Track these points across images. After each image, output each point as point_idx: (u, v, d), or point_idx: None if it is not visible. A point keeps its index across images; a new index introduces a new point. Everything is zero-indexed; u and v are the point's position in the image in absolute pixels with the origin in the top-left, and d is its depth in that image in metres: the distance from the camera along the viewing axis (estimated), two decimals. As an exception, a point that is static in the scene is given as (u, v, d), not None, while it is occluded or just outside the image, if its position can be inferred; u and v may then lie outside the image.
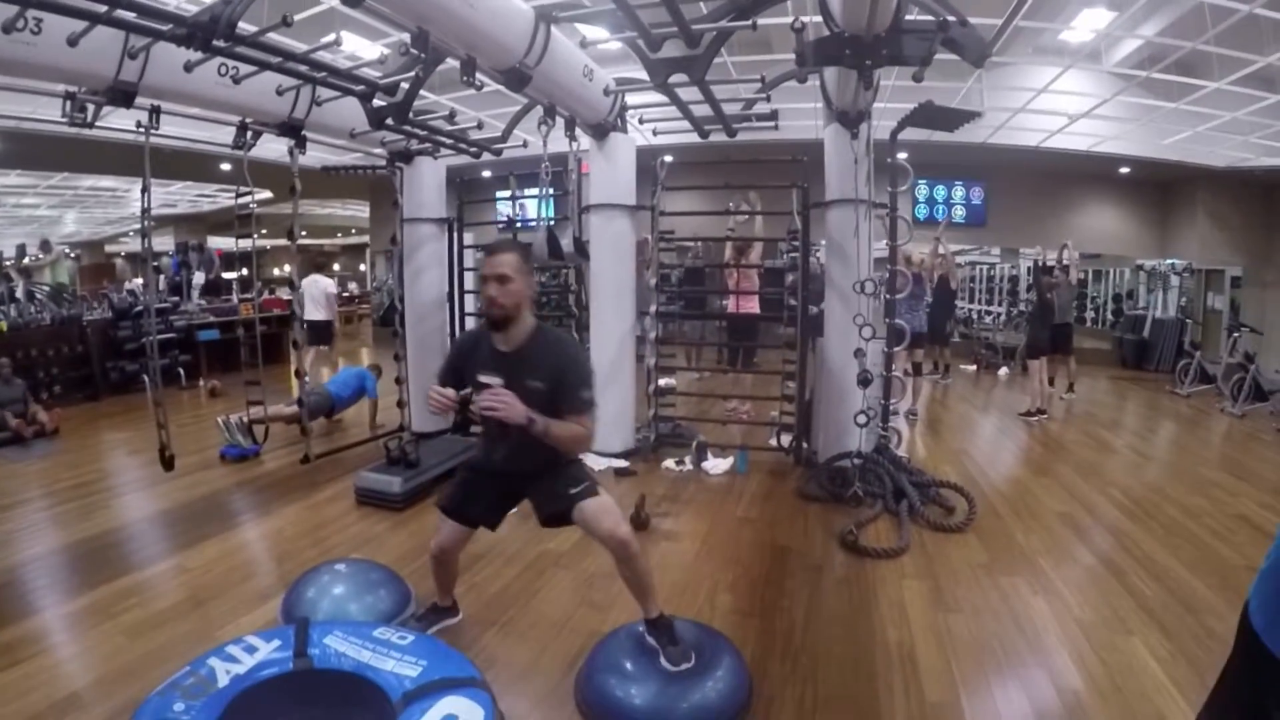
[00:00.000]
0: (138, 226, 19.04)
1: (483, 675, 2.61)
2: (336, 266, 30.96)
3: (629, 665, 2.79)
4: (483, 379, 2.77)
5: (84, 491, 5.75)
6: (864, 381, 5.12)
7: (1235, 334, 10.14)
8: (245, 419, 6.68)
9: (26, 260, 12.81)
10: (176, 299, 11.85)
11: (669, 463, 6.19)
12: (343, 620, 3.06)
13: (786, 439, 6.31)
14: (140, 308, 10.31)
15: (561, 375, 2.78)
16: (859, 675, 3.07)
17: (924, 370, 10.50)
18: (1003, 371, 12.31)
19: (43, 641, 3.38)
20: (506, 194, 7.53)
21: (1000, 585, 3.92)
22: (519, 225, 7.38)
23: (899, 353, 5.84)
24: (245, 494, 5.66)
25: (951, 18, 3.87)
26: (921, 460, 6.21)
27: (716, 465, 6.08)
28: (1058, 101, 9.41)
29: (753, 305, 7.84)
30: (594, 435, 2.87)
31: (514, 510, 3.18)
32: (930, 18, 3.91)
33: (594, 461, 6.09)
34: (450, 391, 2.79)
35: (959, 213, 13.80)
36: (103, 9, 3.43)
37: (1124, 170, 12.56)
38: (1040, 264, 10.84)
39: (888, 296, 5.48)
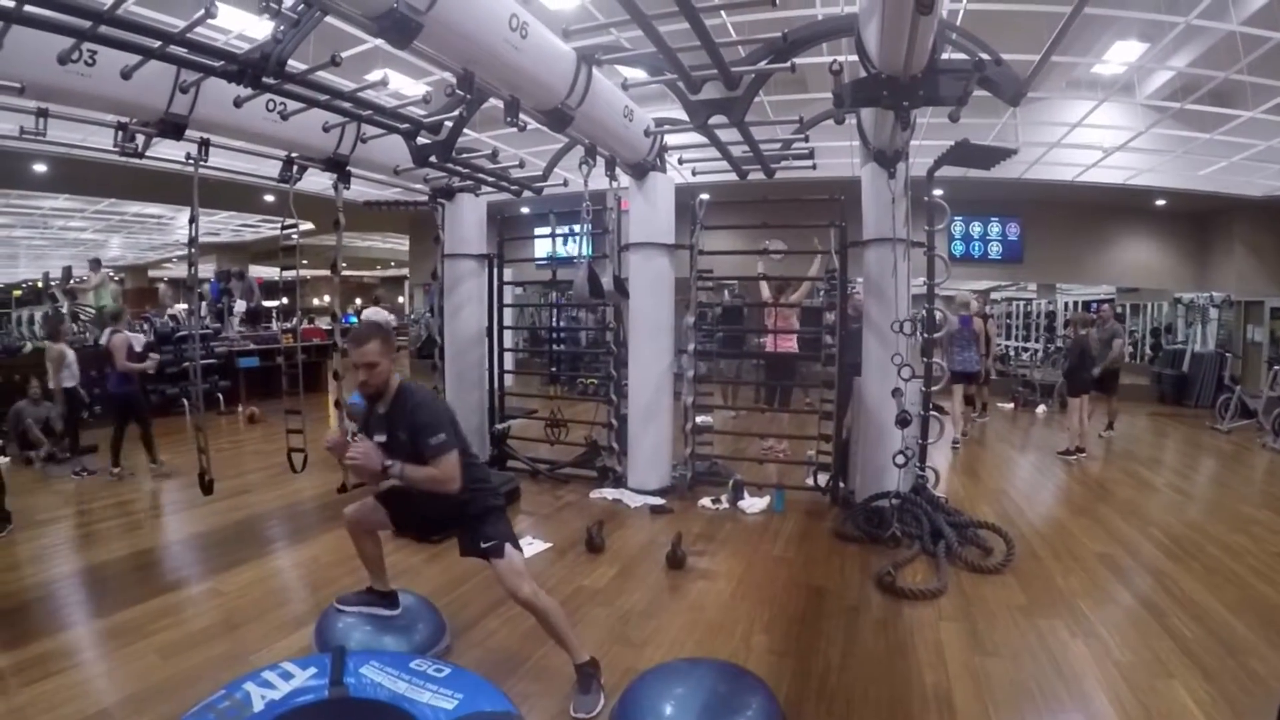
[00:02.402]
0: (181, 253, 19.47)
1: (518, 710, 2.62)
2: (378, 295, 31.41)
3: (664, 703, 2.78)
4: (376, 439, 3.14)
5: (122, 511, 5.89)
6: (903, 421, 5.09)
7: (1276, 367, 9.96)
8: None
9: (72, 282, 13.06)
10: (218, 325, 12.06)
11: (705, 501, 6.17)
12: (379, 650, 3.08)
13: (823, 478, 6.27)
14: (182, 332, 10.52)
15: (414, 425, 3.09)
16: (894, 718, 3.04)
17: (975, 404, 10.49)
18: (1040, 409, 12.15)
19: (76, 656, 3.45)
20: (546, 231, 7.61)
21: (1039, 627, 3.86)
22: (560, 263, 7.46)
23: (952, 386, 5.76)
24: (281, 520, 5.74)
25: (986, 57, 3.90)
26: (959, 500, 6.14)
27: (753, 504, 6.05)
28: (1092, 135, 9.39)
29: (790, 344, 7.84)
30: (452, 477, 3.06)
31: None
32: (966, 57, 3.94)
33: (630, 499, 6.16)
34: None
35: (995, 248, 13.73)
36: (156, 44, 3.56)
37: (1160, 202, 12.46)
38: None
39: (926, 336, 5.45)
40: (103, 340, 8.10)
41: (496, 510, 3.29)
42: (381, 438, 3.15)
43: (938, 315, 5.51)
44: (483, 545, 3.14)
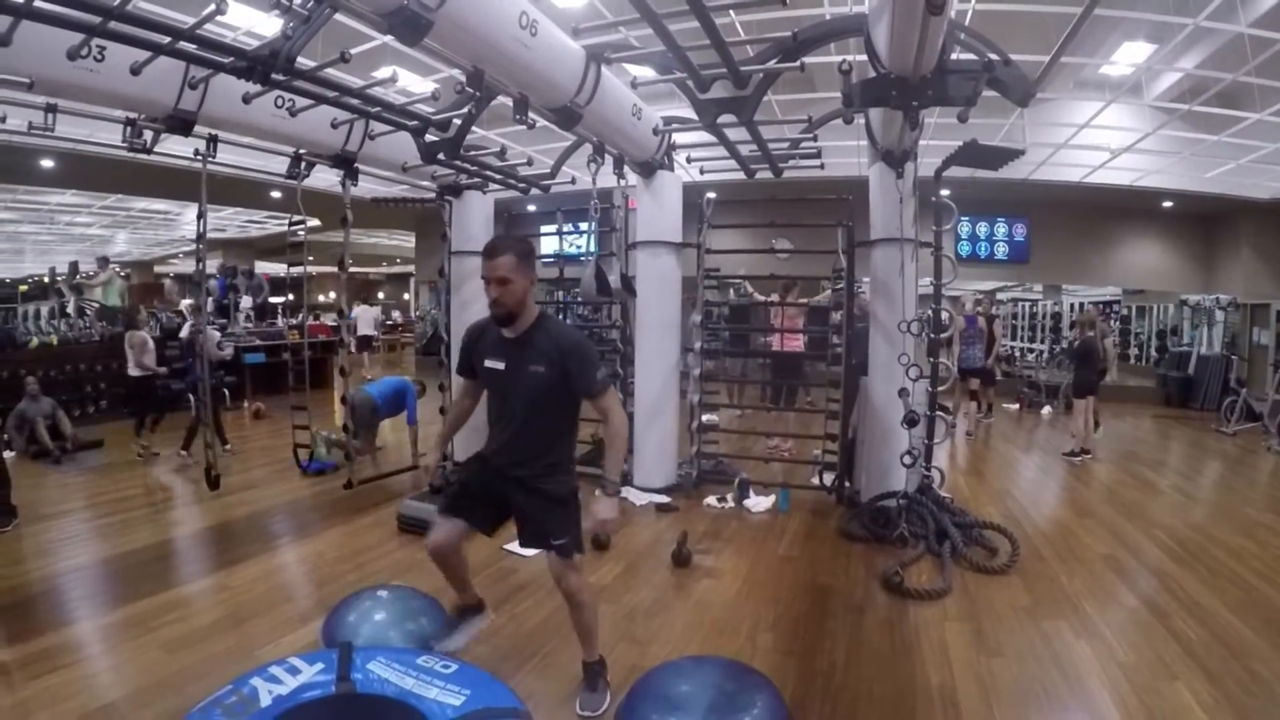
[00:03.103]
0: (187, 248, 19.46)
1: (525, 707, 2.63)
2: (381, 295, 31.52)
3: (670, 700, 2.78)
4: (488, 364, 2.93)
5: (127, 506, 5.90)
6: (911, 421, 5.09)
7: (1281, 369, 9.94)
8: (333, 435, 6.89)
9: (79, 278, 13.10)
10: (224, 321, 12.08)
11: (711, 499, 6.18)
12: (386, 646, 3.09)
13: (829, 478, 6.28)
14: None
15: (566, 362, 2.82)
16: (899, 717, 3.04)
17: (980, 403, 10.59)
18: (1046, 410, 12.14)
19: (81, 651, 3.46)
20: (553, 229, 7.61)
21: (1043, 628, 3.86)
22: (567, 261, 7.46)
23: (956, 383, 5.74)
24: (287, 516, 5.75)
25: (995, 57, 3.90)
26: (964, 500, 6.13)
27: (758, 503, 6.05)
28: (1100, 136, 9.38)
29: (797, 343, 7.84)
30: (620, 414, 2.90)
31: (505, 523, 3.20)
32: (975, 57, 3.94)
33: (636, 497, 6.15)
34: (432, 462, 3.30)
35: (1001, 249, 13.71)
36: (166, 40, 3.56)
37: (1167, 204, 12.44)
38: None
39: (932, 336, 5.45)
40: (183, 333, 8.62)
41: (575, 494, 3.03)
42: (498, 364, 2.92)
43: (944, 315, 5.51)
44: (554, 542, 2.92)
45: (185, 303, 13.08)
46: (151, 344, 7.95)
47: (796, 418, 8.12)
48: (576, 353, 2.84)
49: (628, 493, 6.27)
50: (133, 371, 7.81)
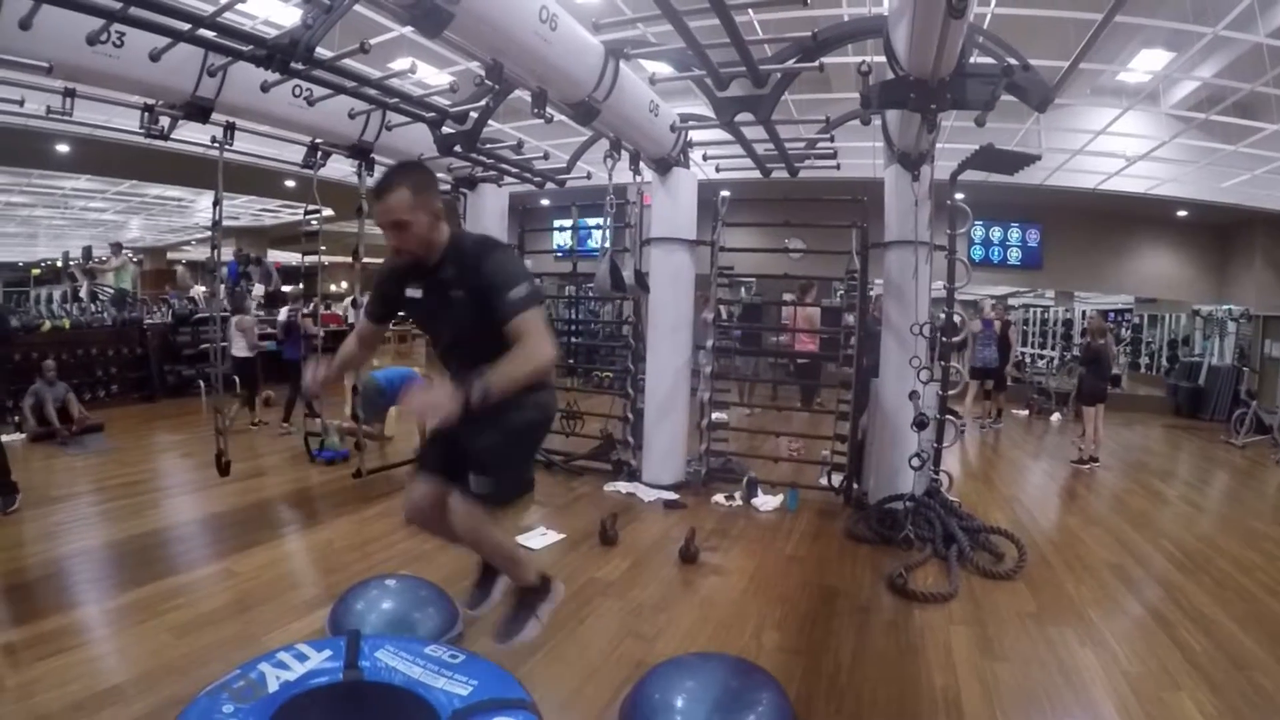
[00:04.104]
0: (200, 235, 19.43)
1: (532, 697, 2.64)
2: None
3: (676, 697, 2.79)
4: (409, 294, 2.62)
5: (136, 490, 5.95)
6: (920, 424, 5.09)
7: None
8: (341, 424, 6.95)
9: (91, 263, 13.16)
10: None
11: (719, 497, 6.19)
12: (394, 635, 3.10)
13: (837, 479, 6.27)
14: (200, 315, 10.60)
15: (483, 279, 2.43)
16: (903, 719, 3.05)
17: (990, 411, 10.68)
18: (1055, 417, 12.12)
19: (87, 633, 3.49)
20: (567, 223, 7.63)
21: (1048, 635, 3.86)
22: (579, 255, 7.48)
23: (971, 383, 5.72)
24: (296, 504, 5.78)
25: (1014, 62, 3.88)
26: (972, 504, 6.12)
27: (766, 502, 6.06)
28: (1115, 143, 9.33)
29: (809, 344, 7.84)
30: (545, 344, 2.40)
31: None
32: (993, 61, 3.93)
33: (644, 493, 6.18)
34: (319, 374, 2.81)
35: (1014, 254, 13.67)
36: (185, 27, 3.57)
37: (1181, 213, 12.36)
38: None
39: (944, 340, 5.44)
40: (281, 317, 9.16)
41: (532, 428, 2.70)
42: (416, 291, 2.61)
43: (957, 319, 5.50)
44: (476, 476, 2.54)
45: (198, 289, 13.14)
46: (255, 327, 8.61)
47: (808, 417, 8.11)
48: (487, 268, 2.44)
49: (637, 489, 6.31)
50: (240, 353, 8.27)
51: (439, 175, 6.76)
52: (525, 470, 2.80)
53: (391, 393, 7.54)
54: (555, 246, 10.46)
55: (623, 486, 6.41)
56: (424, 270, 2.56)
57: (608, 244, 5.83)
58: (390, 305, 2.76)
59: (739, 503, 6.08)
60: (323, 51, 3.79)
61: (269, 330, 9.67)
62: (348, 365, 3.02)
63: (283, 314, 9.21)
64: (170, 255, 25.10)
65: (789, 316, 7.92)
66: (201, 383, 10.27)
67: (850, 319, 6.55)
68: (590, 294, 7.95)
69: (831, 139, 5.83)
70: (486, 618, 3.06)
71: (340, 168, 6.86)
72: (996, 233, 13.63)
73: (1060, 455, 8.90)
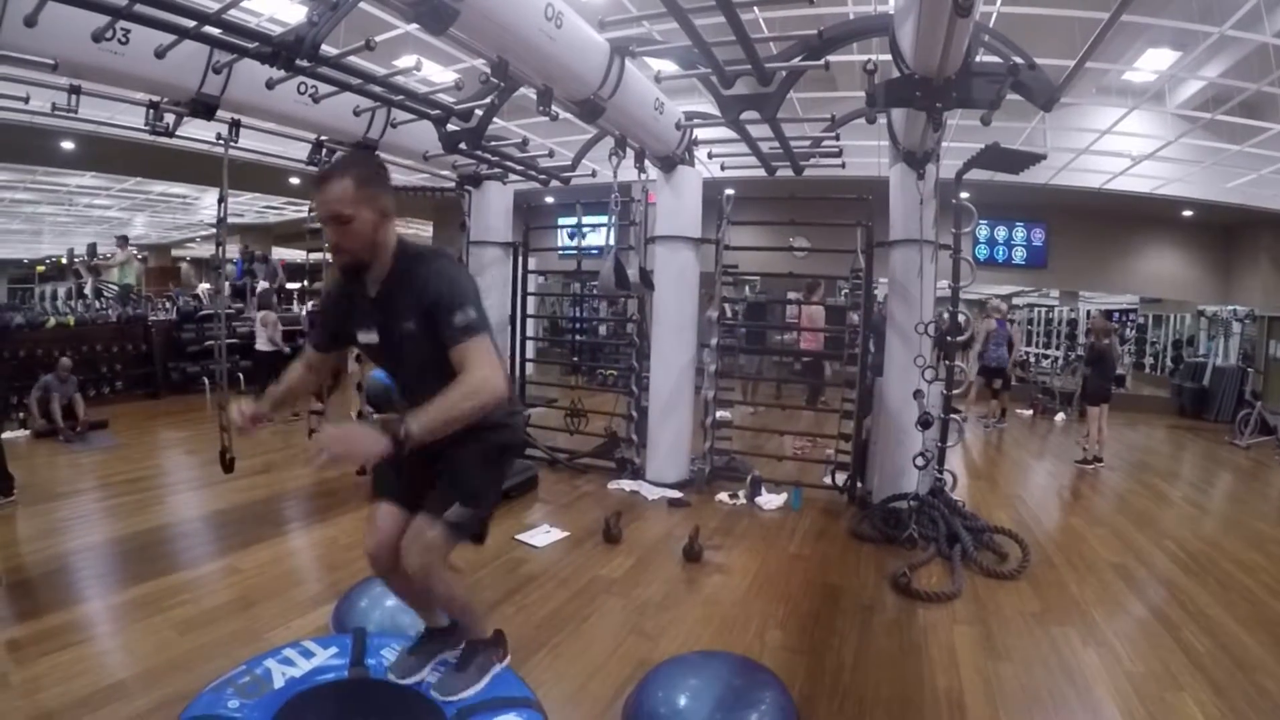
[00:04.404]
0: (205, 232, 19.45)
1: (535, 696, 2.64)
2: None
3: (679, 695, 2.79)
4: (362, 339, 2.39)
5: (140, 486, 5.95)
6: (925, 423, 5.08)
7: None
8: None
9: (96, 260, 13.20)
10: (240, 305, 12.15)
11: (723, 496, 6.18)
12: (399, 633, 3.10)
13: (841, 478, 6.27)
14: (204, 312, 10.62)
15: (428, 299, 2.21)
16: (906, 719, 3.04)
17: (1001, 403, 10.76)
18: (1059, 417, 12.09)
19: (92, 629, 3.49)
20: (571, 221, 7.63)
21: (1051, 635, 3.86)
22: (584, 253, 7.49)
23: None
24: (300, 501, 5.79)
25: (1020, 61, 3.88)
26: (975, 504, 6.11)
27: (770, 501, 6.04)
28: (1121, 143, 9.32)
29: (813, 342, 7.84)
30: (492, 377, 2.16)
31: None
32: (999, 60, 3.92)
33: (648, 491, 6.18)
34: (240, 411, 2.48)
35: (1019, 254, 13.65)
36: (191, 24, 3.58)
37: (1187, 213, 12.32)
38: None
39: (950, 339, 5.44)
40: (304, 311, 9.55)
41: (496, 455, 2.48)
42: (371, 336, 2.36)
43: (961, 318, 5.49)
44: (436, 503, 2.34)
45: (203, 286, 13.17)
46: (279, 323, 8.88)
47: (813, 416, 8.11)
48: (434, 292, 2.21)
49: (640, 487, 6.31)
50: (262, 346, 8.60)
51: (443, 173, 6.80)
52: (493, 498, 2.55)
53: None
54: (560, 244, 10.45)
55: (627, 484, 6.41)
56: (371, 298, 2.34)
57: (612, 241, 5.83)
58: (337, 339, 2.57)
59: (743, 501, 6.06)
60: (328, 49, 3.79)
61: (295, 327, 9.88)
62: (288, 399, 2.74)
63: (306, 309, 9.45)
64: (175, 252, 25.16)
65: (794, 315, 7.91)
66: (206, 379, 10.31)
67: (855, 317, 6.55)
68: (595, 292, 7.94)
69: (837, 137, 5.82)
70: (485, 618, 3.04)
71: (345, 165, 6.86)
72: (1001, 232, 13.60)
73: (1064, 455, 8.88)
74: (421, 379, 2.27)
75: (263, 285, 12.60)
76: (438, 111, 4.82)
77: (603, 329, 12.21)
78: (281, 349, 8.74)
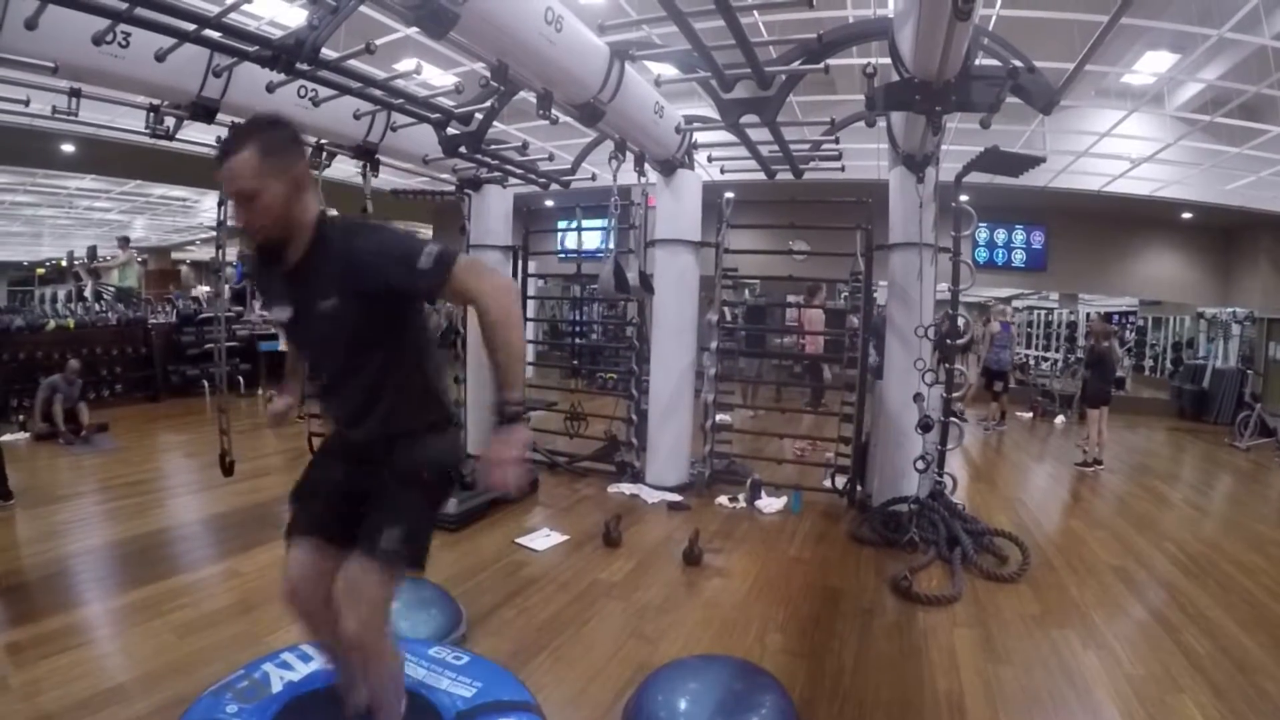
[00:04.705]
0: (205, 235, 19.38)
1: (535, 699, 2.64)
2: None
3: (679, 698, 2.79)
4: (275, 314, 2.14)
5: (140, 490, 5.96)
6: (925, 426, 5.08)
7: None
8: None
9: (95, 262, 13.20)
10: (240, 308, 12.15)
11: (723, 499, 6.17)
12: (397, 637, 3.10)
13: (841, 481, 6.27)
14: (205, 314, 10.62)
15: (363, 276, 1.96)
16: (907, 722, 3.04)
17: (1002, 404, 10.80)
18: (1059, 420, 12.09)
19: (91, 632, 3.49)
20: (571, 224, 7.63)
21: (1052, 637, 3.86)
22: (583, 257, 7.49)
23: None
24: (300, 504, 5.76)
25: (1019, 64, 3.88)
26: (975, 507, 6.11)
27: (770, 504, 6.04)
28: (1120, 145, 9.31)
29: (813, 346, 7.84)
30: (498, 291, 1.96)
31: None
32: (999, 64, 3.92)
33: (648, 494, 6.17)
34: (280, 406, 2.37)
35: (1019, 256, 13.65)
36: (191, 28, 3.58)
37: (1186, 216, 12.33)
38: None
39: (949, 342, 5.44)
40: None
41: (436, 473, 2.20)
42: (284, 311, 2.10)
43: (961, 321, 5.50)
44: (374, 538, 2.04)
45: (201, 289, 13.17)
46: None
47: (812, 419, 8.11)
48: (373, 253, 1.97)
49: (640, 490, 6.30)
50: (285, 347, 8.19)
51: (443, 177, 6.80)
52: (433, 522, 2.31)
53: None
54: (559, 247, 10.44)
55: (626, 488, 6.40)
56: (285, 273, 2.07)
57: (612, 245, 5.83)
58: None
59: (743, 505, 6.06)
60: (328, 52, 3.78)
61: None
62: (299, 373, 2.61)
63: None
64: (175, 255, 25.14)
65: (794, 318, 7.92)
66: (205, 382, 10.30)
67: (855, 321, 6.55)
68: (595, 295, 7.95)
69: (836, 141, 5.82)
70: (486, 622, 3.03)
71: (345, 168, 6.86)
72: (1001, 235, 13.60)
73: (1064, 458, 8.88)
74: (335, 362, 2.14)
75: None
76: (438, 115, 4.82)
77: (596, 331, 12.23)
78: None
